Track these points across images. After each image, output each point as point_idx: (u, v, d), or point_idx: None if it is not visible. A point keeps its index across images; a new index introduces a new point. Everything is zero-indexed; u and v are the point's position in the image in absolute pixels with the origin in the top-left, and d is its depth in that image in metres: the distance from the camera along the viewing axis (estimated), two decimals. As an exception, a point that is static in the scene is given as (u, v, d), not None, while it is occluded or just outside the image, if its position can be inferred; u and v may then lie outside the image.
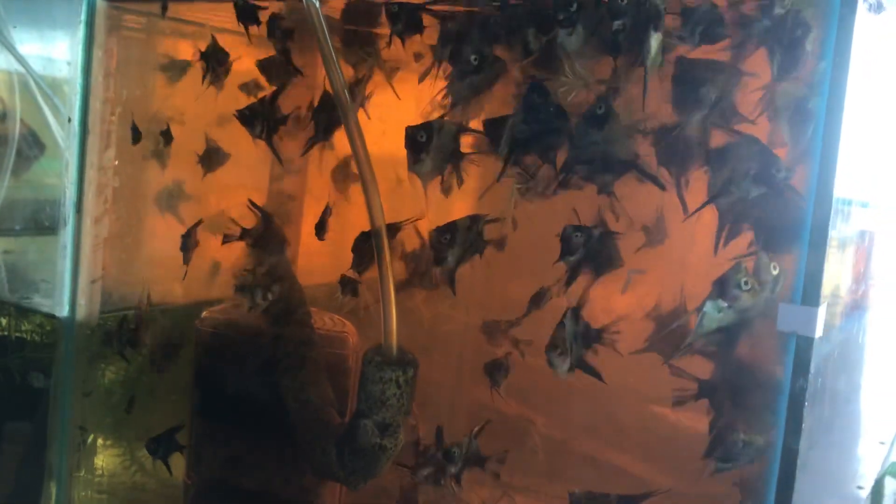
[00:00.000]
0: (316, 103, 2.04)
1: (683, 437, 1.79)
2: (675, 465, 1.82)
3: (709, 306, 1.43)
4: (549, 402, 2.11)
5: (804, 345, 1.33)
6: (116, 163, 2.30)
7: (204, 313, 2.32)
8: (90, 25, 2.23)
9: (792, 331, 1.34)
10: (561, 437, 2.16)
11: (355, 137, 1.84)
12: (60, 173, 2.29)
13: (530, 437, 2.16)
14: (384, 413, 1.82)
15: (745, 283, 1.40)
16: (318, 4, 1.85)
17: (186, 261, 2.26)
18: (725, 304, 1.42)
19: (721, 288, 1.41)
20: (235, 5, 2.02)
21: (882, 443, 2.55)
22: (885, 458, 2.55)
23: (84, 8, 2.23)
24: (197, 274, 2.39)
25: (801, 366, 1.33)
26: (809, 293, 1.33)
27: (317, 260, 2.42)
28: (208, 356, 2.31)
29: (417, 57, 1.90)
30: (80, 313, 2.31)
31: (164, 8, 2.18)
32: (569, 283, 1.69)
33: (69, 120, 2.26)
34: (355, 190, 2.11)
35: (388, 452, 1.85)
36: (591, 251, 1.67)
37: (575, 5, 1.56)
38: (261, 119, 2.09)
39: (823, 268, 1.32)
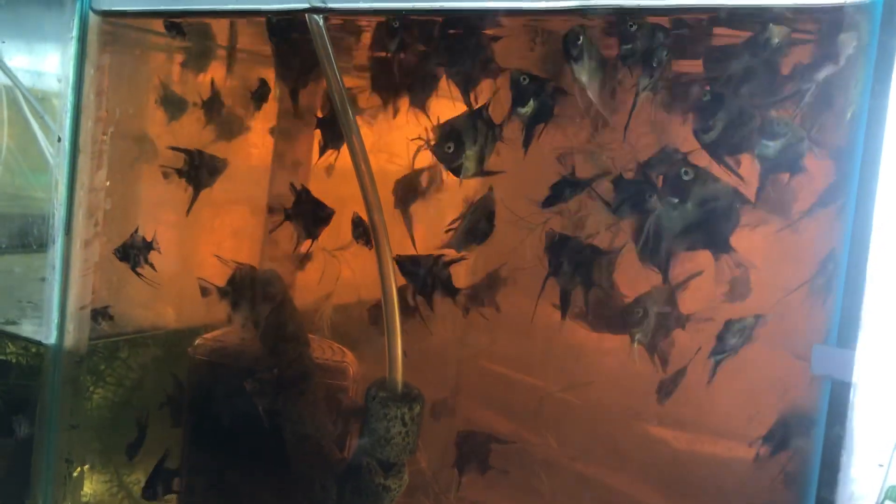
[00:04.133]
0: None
1: (684, 457, 1.75)
2: (681, 488, 1.78)
3: (660, 209, 1.38)
4: (546, 424, 2.05)
5: (840, 390, 1.25)
6: (108, 184, 2.21)
7: (197, 340, 2.23)
8: (82, 41, 2.14)
9: (827, 374, 1.25)
10: (560, 458, 2.10)
11: (359, 159, 1.76)
12: (49, 191, 2.20)
13: (531, 460, 2.09)
14: (389, 452, 1.74)
15: (686, 172, 1.35)
16: (321, 22, 1.78)
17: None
18: (676, 200, 1.36)
19: (664, 186, 1.37)
20: (268, 22, 1.95)
21: (881, 465, 2.47)
22: (884, 480, 2.47)
23: (76, 23, 2.13)
24: (189, 298, 2.30)
25: (838, 412, 1.25)
26: (846, 334, 1.24)
27: (315, 283, 2.34)
28: (201, 385, 2.22)
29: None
30: (68, 341, 2.21)
31: (172, 28, 2.10)
32: (526, 143, 1.61)
33: (59, 139, 2.17)
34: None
35: (391, 493, 1.76)
36: (544, 105, 1.59)
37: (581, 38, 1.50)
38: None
39: (861, 307, 1.24)
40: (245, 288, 2.04)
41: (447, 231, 1.71)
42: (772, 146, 1.35)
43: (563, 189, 1.61)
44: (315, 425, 1.99)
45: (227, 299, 2.05)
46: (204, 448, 2.19)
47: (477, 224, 1.67)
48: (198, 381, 2.23)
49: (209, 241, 2.28)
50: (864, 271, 1.23)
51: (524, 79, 1.58)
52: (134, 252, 2.20)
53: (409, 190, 1.91)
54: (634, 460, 1.95)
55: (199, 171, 2.17)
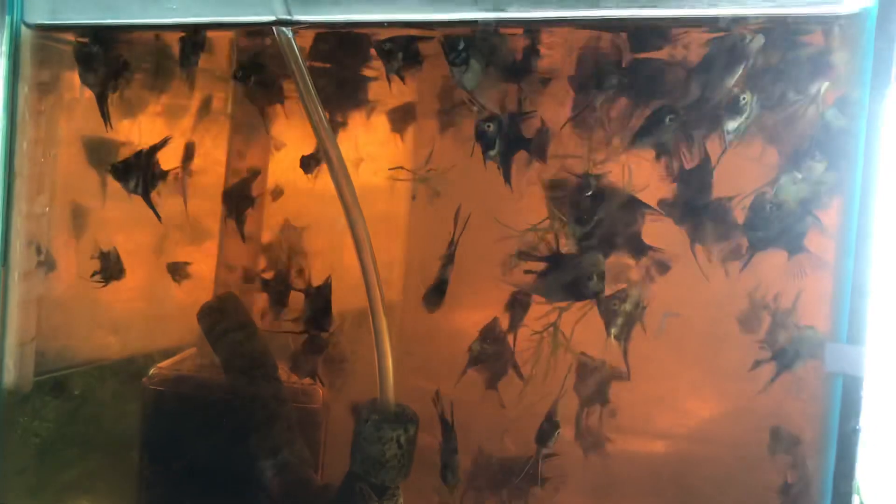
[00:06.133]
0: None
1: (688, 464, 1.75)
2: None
3: (784, 179, 1.42)
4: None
5: (853, 385, 1.29)
6: (47, 209, 2.06)
7: (152, 369, 2.11)
8: (14, 58, 1.99)
9: (840, 370, 1.30)
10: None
11: (340, 177, 1.70)
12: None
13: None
14: (383, 476, 1.68)
15: (817, 155, 1.40)
16: (290, 35, 1.72)
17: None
18: (800, 176, 1.41)
19: (797, 159, 1.41)
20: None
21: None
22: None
23: (6, 38, 1.98)
24: (142, 323, 2.18)
25: (851, 407, 1.29)
26: (855, 331, 1.29)
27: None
28: (158, 419, 2.10)
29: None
30: (8, 379, 2.04)
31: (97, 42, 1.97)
32: (507, 177, 1.64)
33: (-11, 163, 2.00)
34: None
35: (386, 519, 1.71)
36: (511, 138, 1.62)
37: (463, 44, 1.56)
38: (136, 174, 1.98)
39: (867, 305, 1.29)
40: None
41: (526, 272, 1.65)
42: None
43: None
44: (292, 452, 1.91)
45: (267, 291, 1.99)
46: (165, 488, 2.07)
47: (584, 283, 1.56)
48: (154, 414, 2.10)
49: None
50: (869, 267, 1.28)
51: (488, 126, 1.61)
52: None
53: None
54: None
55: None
